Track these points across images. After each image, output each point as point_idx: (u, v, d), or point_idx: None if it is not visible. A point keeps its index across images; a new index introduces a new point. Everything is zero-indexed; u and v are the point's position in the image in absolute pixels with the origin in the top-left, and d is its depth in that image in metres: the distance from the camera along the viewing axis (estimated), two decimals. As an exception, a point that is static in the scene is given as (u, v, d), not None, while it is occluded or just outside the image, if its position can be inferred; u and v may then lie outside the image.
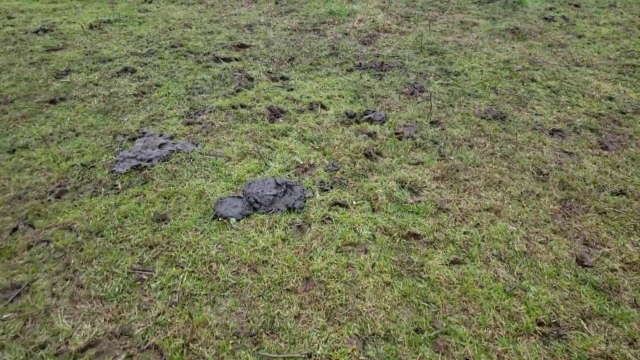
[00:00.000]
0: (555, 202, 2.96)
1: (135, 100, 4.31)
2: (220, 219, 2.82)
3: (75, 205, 2.99)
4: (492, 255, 2.55)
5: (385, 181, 3.12)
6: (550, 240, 2.66)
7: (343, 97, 4.31)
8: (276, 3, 7.51)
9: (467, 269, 2.45)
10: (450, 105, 4.13)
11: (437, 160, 3.36)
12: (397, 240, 2.63)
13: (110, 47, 5.67)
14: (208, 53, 5.35)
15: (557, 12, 6.97)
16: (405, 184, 3.09)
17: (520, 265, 2.48)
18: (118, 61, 5.20)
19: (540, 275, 2.42)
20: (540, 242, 2.64)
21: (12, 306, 2.34)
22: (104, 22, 6.55)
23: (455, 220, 2.79)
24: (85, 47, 5.68)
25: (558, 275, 2.43)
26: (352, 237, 2.66)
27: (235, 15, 6.88)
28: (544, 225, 2.77)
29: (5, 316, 2.29)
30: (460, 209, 2.87)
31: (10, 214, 2.93)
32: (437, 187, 3.08)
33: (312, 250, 2.57)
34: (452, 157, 3.38)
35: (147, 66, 5.05)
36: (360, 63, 5.02)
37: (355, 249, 2.58)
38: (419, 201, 2.93)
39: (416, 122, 3.86)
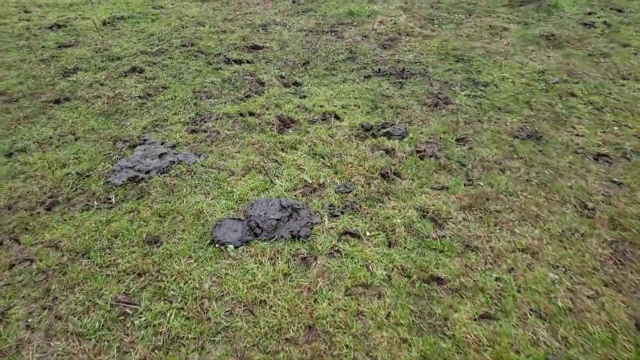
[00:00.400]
0: (604, 245, 2.58)
1: (140, 103, 4.06)
2: (217, 245, 2.54)
3: (65, 220, 2.76)
4: (530, 310, 2.18)
5: (404, 209, 2.80)
6: (600, 295, 2.28)
7: (359, 107, 3.99)
8: (293, 2, 7.20)
9: (500, 326, 2.10)
10: (479, 121, 3.77)
11: (464, 185, 3.01)
12: (417, 285, 2.30)
13: (120, 44, 5.45)
14: (219, 54, 5.08)
15: (598, 17, 6.49)
16: (427, 213, 2.76)
17: (565, 327, 2.11)
18: (127, 60, 4.96)
19: (592, 342, 2.04)
20: (588, 297, 2.26)
21: (-18, 338, 2.10)
22: (117, 18, 6.34)
23: (486, 262, 2.45)
24: (96, 44, 5.47)
25: (614, 343, 2.05)
26: (364, 276, 2.35)
27: (251, 13, 6.60)
28: (591, 274, 2.40)
29: (-27, 350, 2.07)
30: (491, 247, 2.53)
31: (-3, 227, 2.71)
32: (464, 219, 2.74)
33: (317, 291, 2.27)
34: (481, 183, 3.04)
35: (155, 66, 4.80)
36: (379, 69, 4.69)
37: (368, 292, 2.26)
38: (443, 236, 2.60)
39: (440, 138, 3.51)
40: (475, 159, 3.28)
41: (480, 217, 2.77)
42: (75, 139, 3.54)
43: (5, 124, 3.76)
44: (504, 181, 3.05)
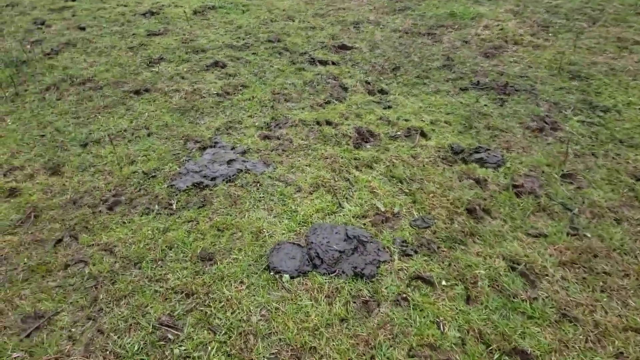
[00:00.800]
0: None
1: (217, 101, 3.94)
2: (271, 273, 2.30)
3: (124, 222, 2.67)
4: None
5: (490, 256, 2.38)
6: None
7: (450, 124, 3.55)
8: (391, -1, 6.78)
9: None
10: (593, 155, 3.18)
11: (567, 235, 2.52)
12: (496, 357, 1.91)
13: (207, 35, 5.41)
14: (305, 53, 4.84)
15: None
16: (518, 265, 2.32)
17: None
18: (211, 53, 4.90)
19: None
20: None
21: (26, 342, 2.06)
22: (208, 7, 6.34)
23: (586, 339, 1.98)
24: (183, 34, 5.48)
25: None
26: (433, 335, 1.99)
27: (344, 9, 6.29)
28: None
29: (15, 355, 2.02)
30: (594, 321, 2.05)
31: (60, 221, 2.71)
32: (562, 278, 2.27)
33: (375, 346, 1.95)
34: (588, 234, 2.52)
35: (238, 62, 4.68)
36: (478, 81, 4.19)
37: (435, 356, 1.91)
38: (535, 298, 2.16)
39: (543, 172, 3.00)
40: (583, 203, 2.75)
41: (584, 278, 2.28)
42: (148, 135, 3.48)
43: (86, 112, 3.81)
44: (618, 235, 2.51)
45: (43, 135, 3.49)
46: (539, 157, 3.15)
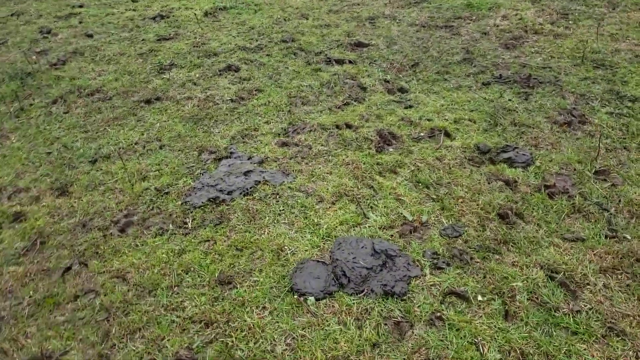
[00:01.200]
0: None
1: (231, 107, 3.81)
2: (295, 295, 2.16)
3: (137, 245, 2.54)
4: None
5: (527, 266, 2.21)
6: None
7: (475, 122, 3.37)
8: (405, -10, 6.55)
9: None
10: (625, 148, 2.98)
11: (605, 237, 2.34)
12: (543, 384, 1.76)
13: (219, 38, 5.26)
14: (320, 52, 4.66)
15: None
16: (557, 274, 2.16)
17: None
18: (223, 56, 4.76)
19: None
20: None
21: (34, 387, 1.93)
22: (219, 9, 6.20)
23: (637, 355, 1.82)
24: (195, 37, 5.35)
25: None
26: (472, 358, 1.85)
27: (358, 4, 6.08)
28: None
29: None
30: (646, 337, 1.89)
31: (69, 247, 2.57)
32: (605, 286, 2.10)
33: (411, 375, 1.81)
34: (627, 236, 2.34)
35: (252, 64, 4.53)
36: (500, 74, 3.98)
37: (476, 387, 1.76)
38: (578, 310, 1.99)
39: (574, 169, 2.81)
40: (619, 202, 2.55)
41: (627, 285, 2.10)
42: (160, 147, 3.36)
43: (95, 125, 3.70)
44: (664, 237, 2.33)
45: (50, 153, 3.39)
46: (569, 153, 2.95)
